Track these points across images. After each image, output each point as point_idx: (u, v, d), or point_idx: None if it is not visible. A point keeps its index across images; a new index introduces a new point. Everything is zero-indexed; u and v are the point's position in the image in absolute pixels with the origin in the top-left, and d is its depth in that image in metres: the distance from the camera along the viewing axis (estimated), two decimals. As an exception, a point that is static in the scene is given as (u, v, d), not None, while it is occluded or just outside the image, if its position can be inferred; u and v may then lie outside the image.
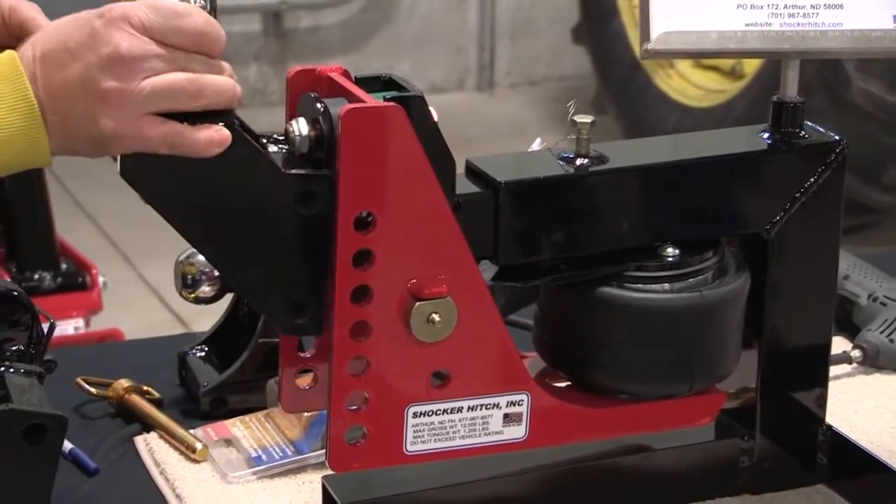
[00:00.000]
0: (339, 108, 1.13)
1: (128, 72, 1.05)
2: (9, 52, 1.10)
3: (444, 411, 1.21)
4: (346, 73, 1.19)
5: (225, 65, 1.11)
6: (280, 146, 1.15)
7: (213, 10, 1.12)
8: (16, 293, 1.27)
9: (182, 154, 1.09)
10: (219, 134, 1.09)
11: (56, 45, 1.08)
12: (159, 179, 1.12)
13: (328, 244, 1.14)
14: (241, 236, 1.15)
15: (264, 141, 1.16)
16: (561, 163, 1.25)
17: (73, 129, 1.07)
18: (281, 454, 1.40)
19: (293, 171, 1.14)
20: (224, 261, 1.18)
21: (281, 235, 1.15)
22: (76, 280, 3.00)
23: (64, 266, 3.02)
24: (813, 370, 1.36)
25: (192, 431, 1.43)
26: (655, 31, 1.27)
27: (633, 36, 4.26)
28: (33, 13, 1.27)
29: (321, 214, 1.15)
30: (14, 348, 1.25)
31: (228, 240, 1.15)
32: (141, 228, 4.01)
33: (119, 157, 1.11)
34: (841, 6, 1.29)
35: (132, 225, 4.01)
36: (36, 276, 2.96)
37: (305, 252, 1.16)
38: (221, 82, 1.09)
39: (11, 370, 1.23)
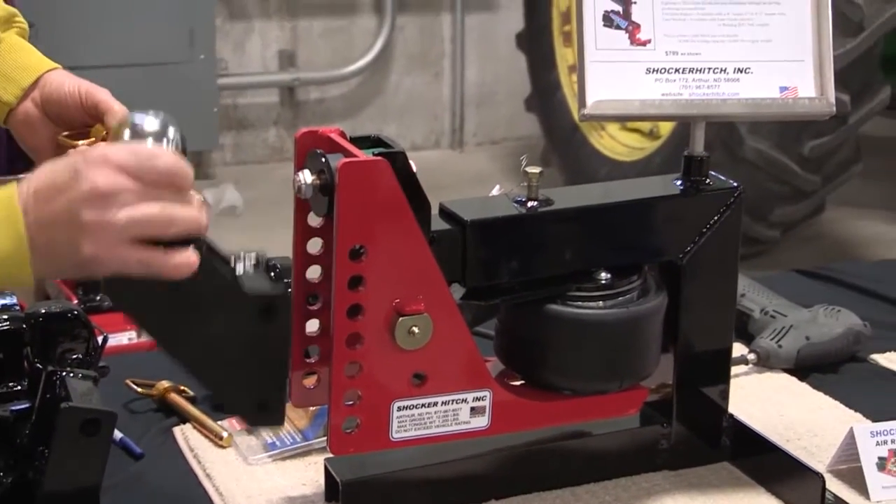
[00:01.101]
0: (337, 161, 1.11)
1: (105, 205, 0.97)
2: (9, 185, 1.02)
3: (423, 405, 1.19)
4: (342, 134, 1.17)
5: (195, 196, 1.01)
6: (249, 263, 1.08)
7: (184, 151, 1.05)
8: (76, 312, 1.24)
9: (157, 276, 1.00)
10: (189, 259, 1.01)
11: (46, 182, 1.00)
12: (138, 297, 1.04)
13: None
14: (210, 345, 1.08)
15: (233, 258, 1.09)
16: (515, 205, 1.24)
17: (59, 255, 1.00)
18: (291, 441, 1.37)
19: (255, 290, 1.07)
20: (196, 367, 1.10)
21: (247, 345, 1.09)
22: (130, 300, 2.96)
23: (120, 289, 2.98)
24: (718, 370, 1.34)
25: (219, 423, 1.40)
26: (590, 99, 1.26)
27: (573, 106, 4.26)
28: (105, 96, 1.26)
29: (283, 325, 1.09)
30: (74, 357, 1.22)
31: (199, 349, 1.08)
32: (183, 259, 3.98)
33: (102, 278, 1.03)
34: (738, 80, 1.28)
35: (176, 256, 3.98)
36: (98, 298, 2.92)
37: (271, 358, 1.10)
38: (190, 213, 1.01)
39: (72, 375, 1.20)
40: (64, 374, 1.19)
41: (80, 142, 1.26)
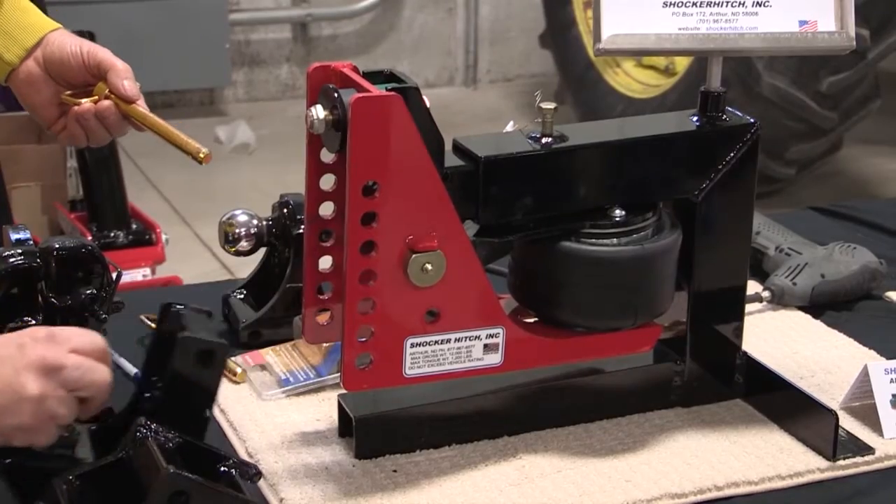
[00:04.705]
0: (349, 96, 1.10)
1: (50, 376, 0.99)
2: None
3: (436, 342, 1.19)
4: (355, 69, 1.16)
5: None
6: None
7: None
8: (90, 247, 1.24)
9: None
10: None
11: None
12: None
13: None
14: None
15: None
16: (530, 141, 1.23)
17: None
18: (305, 377, 1.38)
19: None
20: None
21: None
22: (144, 237, 2.97)
23: (134, 226, 2.99)
24: (732, 307, 1.34)
25: (233, 359, 1.40)
26: (606, 33, 1.24)
27: (588, 42, 4.22)
28: (107, 55, 1.29)
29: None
30: (88, 292, 1.22)
31: None
32: (196, 197, 3.99)
33: None
34: (756, 14, 1.26)
35: (189, 194, 3.98)
36: (112, 234, 2.94)
37: None
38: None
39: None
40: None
41: (84, 100, 1.28)
